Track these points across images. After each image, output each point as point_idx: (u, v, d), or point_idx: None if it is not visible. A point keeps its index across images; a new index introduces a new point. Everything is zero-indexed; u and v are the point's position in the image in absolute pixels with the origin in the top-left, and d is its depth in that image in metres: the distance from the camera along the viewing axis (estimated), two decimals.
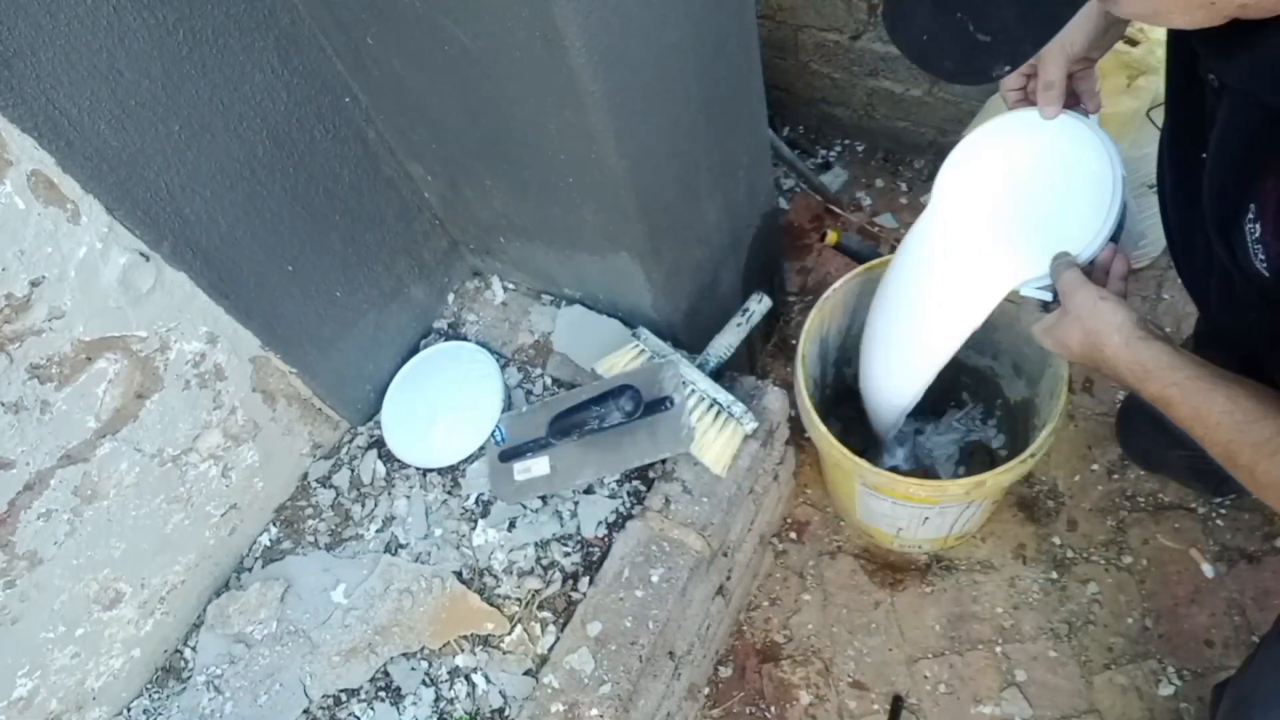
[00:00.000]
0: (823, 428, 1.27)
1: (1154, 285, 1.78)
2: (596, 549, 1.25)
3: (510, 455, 1.32)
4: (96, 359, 1.06)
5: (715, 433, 1.24)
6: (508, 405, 1.42)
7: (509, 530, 1.29)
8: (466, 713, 1.17)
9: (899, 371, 1.25)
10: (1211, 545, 1.53)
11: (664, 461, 1.28)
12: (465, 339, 1.52)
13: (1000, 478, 1.22)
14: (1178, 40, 0.81)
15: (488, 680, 1.19)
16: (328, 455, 1.47)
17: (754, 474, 1.34)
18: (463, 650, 1.22)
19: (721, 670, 1.59)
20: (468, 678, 1.20)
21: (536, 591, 1.23)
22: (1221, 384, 0.79)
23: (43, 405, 1.02)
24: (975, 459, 1.65)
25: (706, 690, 1.56)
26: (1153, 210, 1.09)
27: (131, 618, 1.24)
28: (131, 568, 1.21)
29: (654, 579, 1.19)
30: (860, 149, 2.20)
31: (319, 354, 1.34)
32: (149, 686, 1.30)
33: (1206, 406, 0.79)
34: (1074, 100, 0.99)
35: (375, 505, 1.38)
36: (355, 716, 1.20)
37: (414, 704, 1.19)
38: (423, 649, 1.23)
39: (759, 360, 1.88)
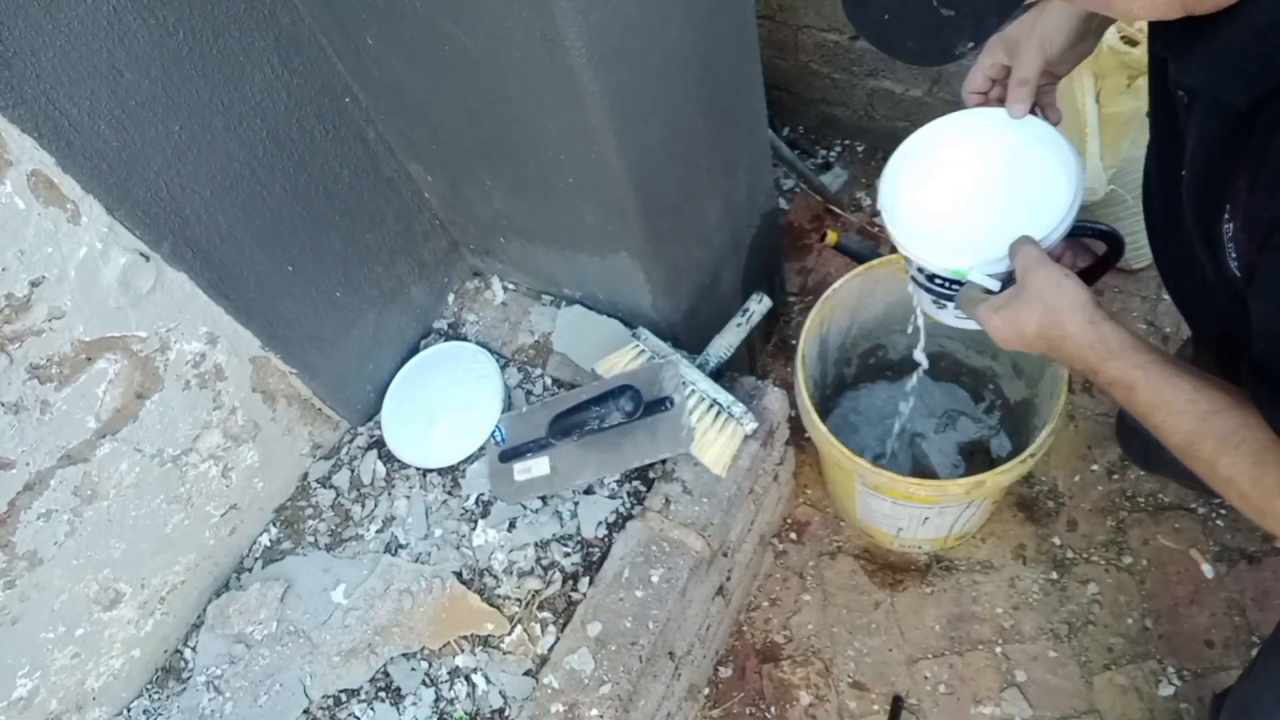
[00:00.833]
0: (823, 427, 1.27)
1: (1154, 285, 1.78)
2: (596, 549, 1.25)
3: (510, 455, 1.32)
4: (96, 359, 1.06)
5: (715, 433, 1.24)
6: (508, 405, 1.42)
7: (509, 530, 1.29)
8: (466, 713, 1.17)
9: None
10: (1211, 545, 1.53)
11: (664, 461, 1.28)
12: (465, 339, 1.52)
13: (1000, 477, 1.22)
14: (1155, 62, 0.80)
15: (488, 680, 1.19)
16: (328, 455, 1.46)
17: (754, 474, 1.34)
18: (463, 650, 1.22)
19: (721, 670, 1.59)
20: (468, 678, 1.20)
21: (536, 592, 1.23)
22: (1187, 372, 0.77)
23: (43, 405, 1.02)
24: (975, 459, 1.65)
25: (706, 690, 1.56)
26: None
27: (131, 618, 1.24)
28: (131, 568, 1.21)
29: (654, 579, 1.19)
30: (860, 149, 2.20)
31: (319, 354, 1.34)
32: (149, 687, 1.30)
33: (1171, 392, 0.76)
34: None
35: (375, 505, 1.38)
36: (355, 717, 1.20)
37: (414, 704, 1.19)
38: (423, 649, 1.23)
39: (759, 360, 1.88)
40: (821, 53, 1.98)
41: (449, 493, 1.37)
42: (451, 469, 1.39)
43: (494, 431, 1.37)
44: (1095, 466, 1.65)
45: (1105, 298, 1.80)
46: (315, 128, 1.18)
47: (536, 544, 1.27)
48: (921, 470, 1.65)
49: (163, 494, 1.21)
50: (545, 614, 1.22)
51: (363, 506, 1.39)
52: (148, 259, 1.05)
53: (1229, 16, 0.60)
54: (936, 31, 0.59)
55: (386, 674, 1.22)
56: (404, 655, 1.23)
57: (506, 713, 1.16)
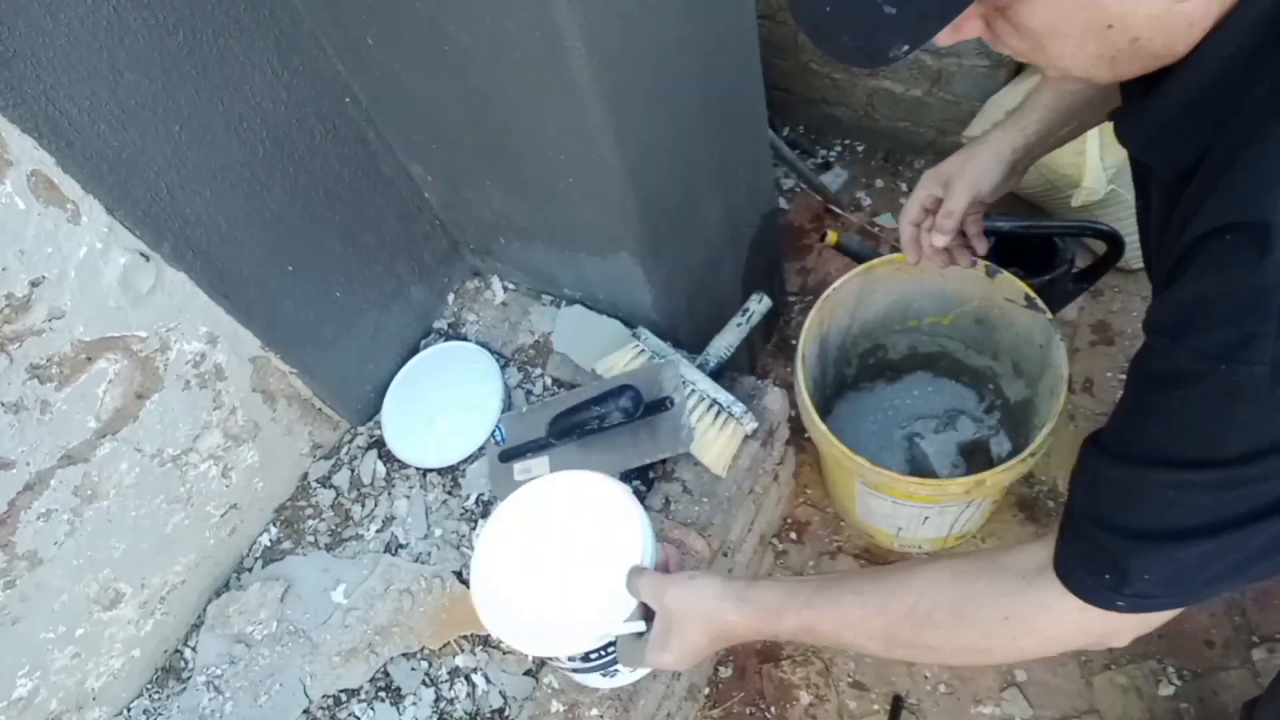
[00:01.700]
0: (823, 426, 1.27)
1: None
2: None
3: (510, 455, 1.32)
4: (96, 359, 1.06)
5: (715, 433, 1.24)
6: (508, 405, 1.42)
7: None
8: (466, 713, 1.17)
9: None
10: None
11: (664, 461, 1.28)
12: (465, 339, 1.52)
13: (1000, 477, 1.22)
14: None
15: (488, 680, 1.19)
16: (328, 455, 1.47)
17: (754, 474, 1.34)
18: (463, 650, 1.22)
19: (721, 670, 1.59)
20: (468, 678, 1.20)
21: None
22: (847, 581, 0.80)
23: (43, 405, 1.02)
24: (975, 459, 1.65)
25: (706, 690, 1.56)
26: None
27: (131, 618, 1.24)
28: (131, 568, 1.21)
29: None
30: (860, 149, 2.20)
31: (319, 354, 1.34)
32: (149, 687, 1.30)
33: (843, 609, 0.78)
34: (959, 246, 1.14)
35: (375, 505, 1.38)
36: (355, 716, 1.20)
37: (414, 704, 1.19)
38: (423, 649, 1.23)
39: (759, 360, 1.88)
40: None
41: (449, 493, 1.37)
42: (451, 469, 1.39)
43: (494, 431, 1.37)
44: None
45: (1105, 297, 1.80)
46: (315, 128, 1.18)
47: None
48: (921, 470, 1.65)
49: (163, 494, 1.21)
50: None
51: (363, 506, 1.39)
52: (148, 259, 1.06)
53: (1158, 88, 0.59)
54: (874, 29, 0.55)
55: (386, 674, 1.22)
56: (404, 655, 1.23)
57: (506, 713, 1.16)
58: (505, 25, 0.93)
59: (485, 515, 1.32)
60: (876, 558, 1.64)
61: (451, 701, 1.19)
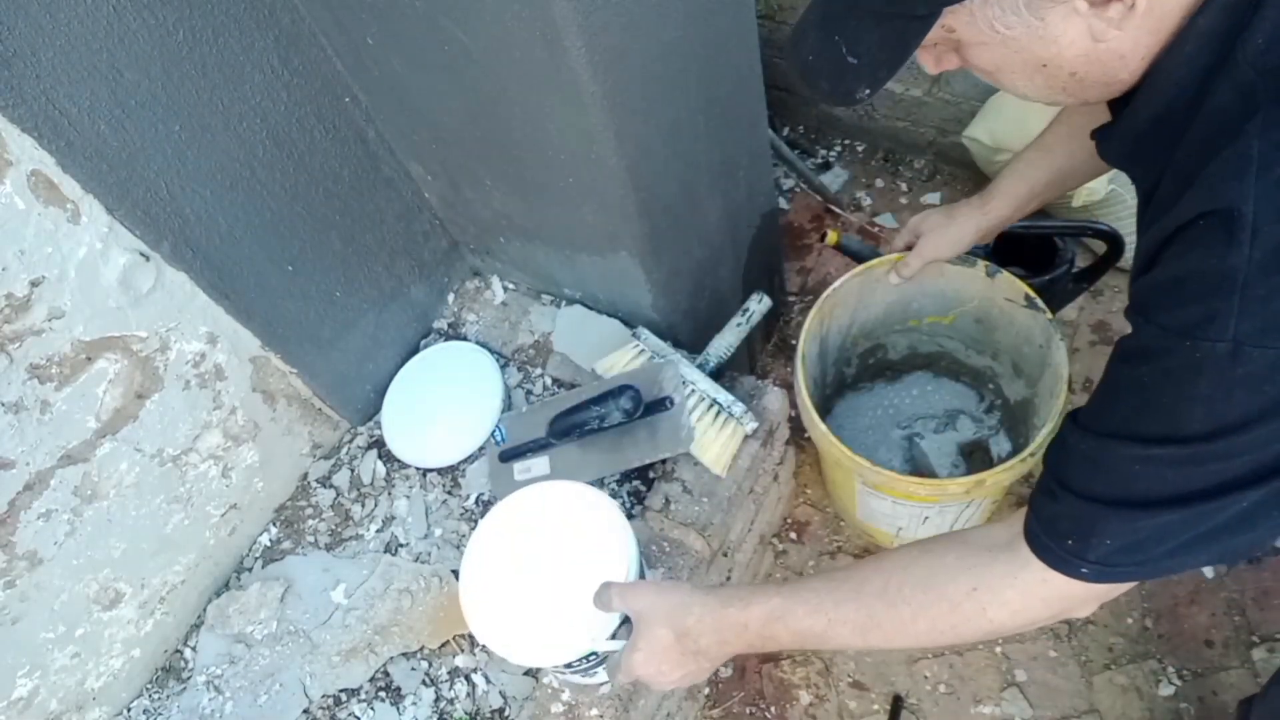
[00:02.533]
0: (823, 426, 1.27)
1: None
2: None
3: (510, 455, 1.32)
4: (96, 359, 1.06)
5: (715, 433, 1.24)
6: (508, 405, 1.42)
7: None
8: (466, 713, 1.17)
9: None
10: None
11: (664, 461, 1.28)
12: (465, 339, 1.52)
13: (1000, 476, 1.22)
14: None
15: (488, 680, 1.19)
16: (328, 455, 1.47)
17: (754, 474, 1.34)
18: (463, 650, 1.22)
19: (721, 670, 1.59)
20: (468, 678, 1.20)
21: None
22: (808, 580, 0.83)
23: (43, 405, 1.02)
24: (975, 459, 1.65)
25: (706, 690, 1.56)
26: None
27: (131, 618, 1.24)
28: (131, 568, 1.21)
29: (654, 579, 1.19)
30: (860, 149, 2.20)
31: (319, 354, 1.34)
32: (149, 686, 1.30)
33: (815, 595, 0.80)
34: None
35: (375, 505, 1.38)
36: (355, 716, 1.20)
37: (414, 704, 1.19)
38: (422, 649, 1.23)
39: (759, 360, 1.88)
40: None
41: (449, 492, 1.37)
42: (451, 469, 1.39)
43: (494, 431, 1.37)
44: None
45: (1105, 297, 1.80)
46: (315, 128, 1.18)
47: None
48: (921, 470, 1.65)
49: (163, 494, 1.21)
50: None
51: (363, 506, 1.39)
52: (148, 259, 1.05)
53: (1126, 109, 0.67)
54: (842, 75, 0.68)
55: (386, 674, 1.22)
56: (404, 655, 1.23)
57: (506, 713, 1.16)
58: (505, 25, 0.93)
59: (485, 515, 1.32)
60: None
61: (451, 701, 1.19)
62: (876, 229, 2.03)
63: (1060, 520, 0.68)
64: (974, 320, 1.47)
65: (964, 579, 0.74)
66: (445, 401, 1.42)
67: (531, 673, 1.18)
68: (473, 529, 1.31)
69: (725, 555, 1.35)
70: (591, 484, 1.29)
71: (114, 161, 0.97)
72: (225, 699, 1.24)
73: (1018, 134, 1.69)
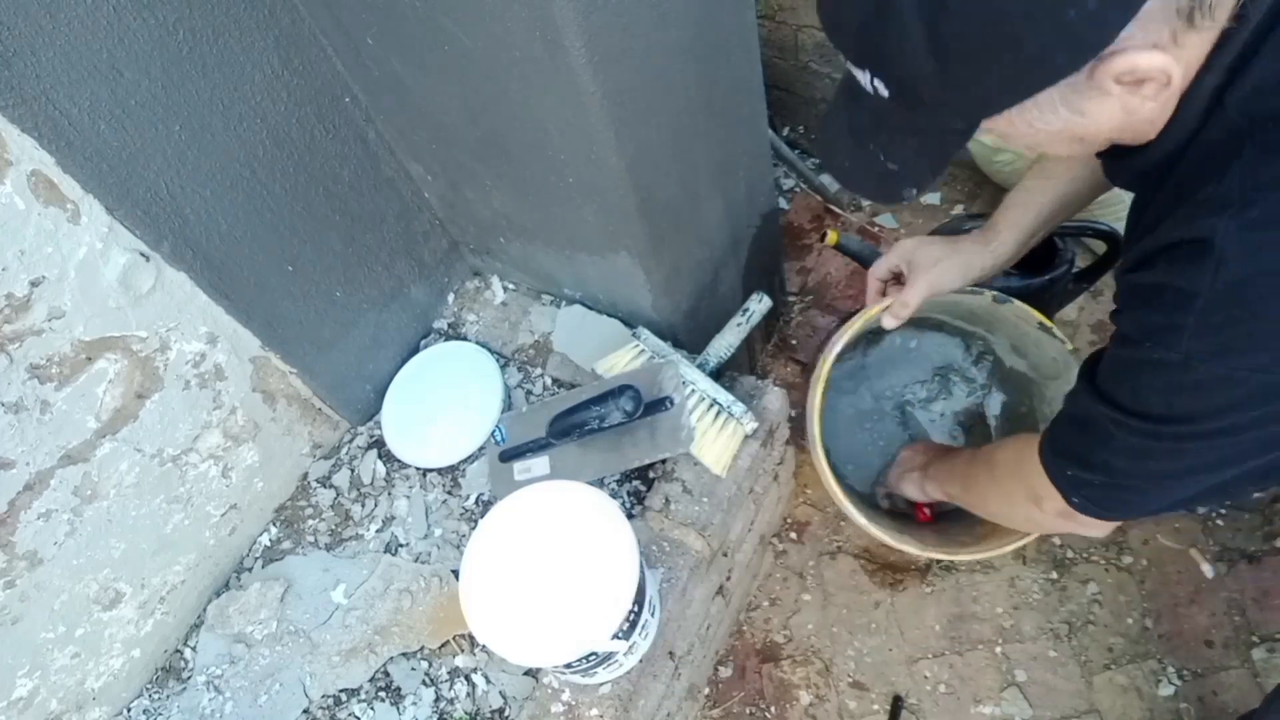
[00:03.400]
0: (861, 519, 1.28)
1: None
2: None
3: (510, 455, 1.32)
4: (96, 359, 1.06)
5: (715, 433, 1.24)
6: (508, 405, 1.42)
7: None
8: (466, 713, 1.17)
9: None
10: (1211, 545, 1.53)
11: (664, 461, 1.28)
12: (465, 339, 1.52)
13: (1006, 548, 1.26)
14: None
15: (488, 680, 1.19)
16: (328, 455, 1.46)
17: (754, 474, 1.34)
18: (463, 650, 1.22)
19: (721, 670, 1.59)
20: (468, 678, 1.20)
21: None
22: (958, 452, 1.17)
23: (43, 405, 1.02)
24: (975, 432, 1.63)
25: (706, 690, 1.56)
26: None
27: (131, 618, 1.24)
28: (131, 568, 1.21)
29: (654, 579, 1.19)
30: None
31: (319, 354, 1.34)
32: (149, 686, 1.30)
33: (950, 468, 1.22)
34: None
35: (375, 505, 1.38)
36: (355, 716, 1.20)
37: (414, 704, 1.19)
38: (422, 649, 1.23)
39: (759, 360, 1.88)
40: (821, 53, 1.98)
41: (449, 492, 1.37)
42: (451, 469, 1.39)
43: (494, 431, 1.37)
44: None
45: (1105, 297, 1.80)
46: (315, 128, 1.18)
47: None
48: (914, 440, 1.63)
49: (163, 494, 1.21)
50: None
51: (363, 506, 1.39)
52: (148, 259, 1.06)
53: (1141, 150, 0.71)
54: (884, 180, 0.71)
55: (386, 674, 1.22)
56: (404, 655, 1.23)
57: (506, 713, 1.16)
58: (505, 24, 0.93)
59: (485, 515, 1.32)
60: (876, 557, 1.64)
61: (451, 701, 1.18)
62: (876, 229, 2.03)
63: (1063, 450, 0.87)
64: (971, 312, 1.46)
65: (1009, 477, 0.99)
66: (445, 401, 1.42)
67: (531, 673, 1.18)
68: (473, 529, 1.31)
69: (725, 555, 1.35)
70: (591, 484, 1.29)
71: (114, 161, 0.97)
72: (225, 699, 1.24)
73: None
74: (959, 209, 2.02)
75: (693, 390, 1.25)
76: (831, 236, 1.78)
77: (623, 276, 1.32)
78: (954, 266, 1.16)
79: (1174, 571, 1.52)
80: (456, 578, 1.27)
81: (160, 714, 1.27)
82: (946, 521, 1.50)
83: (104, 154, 0.95)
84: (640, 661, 1.13)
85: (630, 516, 1.26)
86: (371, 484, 1.41)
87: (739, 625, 1.62)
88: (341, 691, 1.22)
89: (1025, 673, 1.49)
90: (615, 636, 0.98)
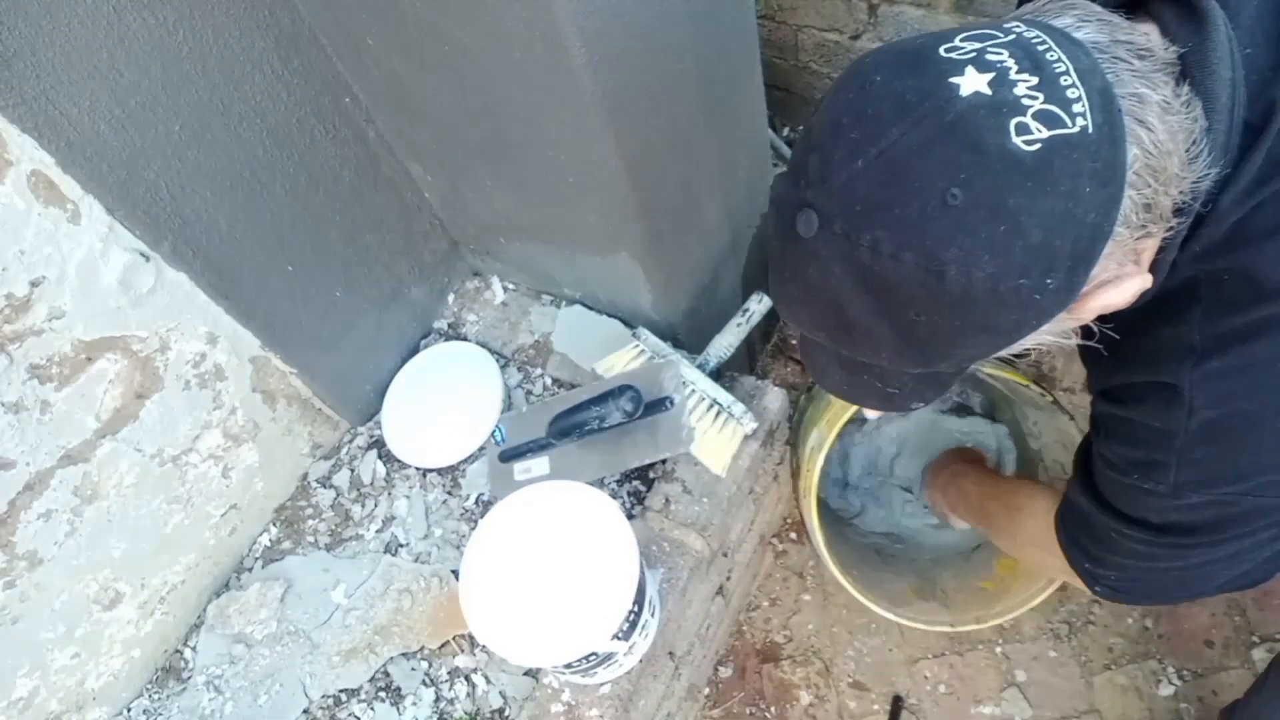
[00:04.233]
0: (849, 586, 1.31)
1: None
2: None
3: (510, 455, 1.32)
4: (96, 359, 1.06)
5: (715, 433, 1.24)
6: (508, 405, 1.42)
7: None
8: (466, 713, 1.17)
9: None
10: None
11: (664, 461, 1.28)
12: (465, 339, 1.52)
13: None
14: None
15: (488, 680, 1.19)
16: (328, 455, 1.46)
17: (754, 474, 1.34)
18: (463, 650, 1.22)
19: (721, 670, 1.59)
20: (468, 678, 1.20)
21: None
22: (992, 484, 1.23)
23: (43, 405, 1.02)
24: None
25: (706, 690, 1.56)
26: None
27: (131, 618, 1.24)
28: (131, 568, 1.21)
29: (654, 579, 1.19)
30: None
31: (319, 354, 1.34)
32: (149, 687, 1.30)
33: (975, 502, 1.28)
34: None
35: (375, 505, 1.38)
36: (355, 716, 1.20)
37: (414, 704, 1.19)
38: (422, 649, 1.23)
39: (759, 360, 1.88)
40: (821, 53, 1.98)
41: (449, 493, 1.37)
42: (451, 469, 1.39)
43: (494, 431, 1.37)
44: None
45: None
46: (315, 128, 1.18)
47: None
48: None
49: (163, 494, 1.21)
50: None
51: (363, 506, 1.39)
52: (148, 259, 1.05)
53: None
54: (889, 400, 0.70)
55: (386, 674, 1.22)
56: (404, 655, 1.23)
57: (506, 713, 1.16)
58: (505, 24, 0.93)
59: (485, 515, 1.32)
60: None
61: (451, 701, 1.18)
62: None
63: (1079, 544, 0.88)
64: None
65: (1036, 546, 1.01)
66: (445, 401, 1.42)
67: (531, 673, 1.18)
68: (473, 529, 1.31)
69: (725, 555, 1.35)
70: (591, 484, 1.30)
71: (114, 161, 0.97)
72: (225, 699, 1.24)
73: None
74: None
75: (693, 390, 1.25)
76: None
77: (623, 276, 1.32)
78: None
79: None
80: (456, 578, 1.27)
81: (160, 714, 1.27)
82: (965, 571, 1.52)
83: (104, 154, 0.95)
84: (640, 661, 1.13)
85: (630, 516, 1.26)
86: (371, 484, 1.41)
87: (739, 625, 1.62)
88: (341, 691, 1.22)
89: (1025, 673, 1.49)
90: (615, 637, 0.98)
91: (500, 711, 1.17)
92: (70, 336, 1.02)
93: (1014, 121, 0.52)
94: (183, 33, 0.98)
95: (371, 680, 1.22)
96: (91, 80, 0.91)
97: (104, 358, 1.07)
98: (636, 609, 1.01)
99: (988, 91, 0.52)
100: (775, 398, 1.33)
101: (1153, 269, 0.62)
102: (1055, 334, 0.62)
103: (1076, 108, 0.52)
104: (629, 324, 1.42)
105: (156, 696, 1.29)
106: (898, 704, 1.49)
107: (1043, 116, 0.52)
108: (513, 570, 1.01)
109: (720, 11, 1.15)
